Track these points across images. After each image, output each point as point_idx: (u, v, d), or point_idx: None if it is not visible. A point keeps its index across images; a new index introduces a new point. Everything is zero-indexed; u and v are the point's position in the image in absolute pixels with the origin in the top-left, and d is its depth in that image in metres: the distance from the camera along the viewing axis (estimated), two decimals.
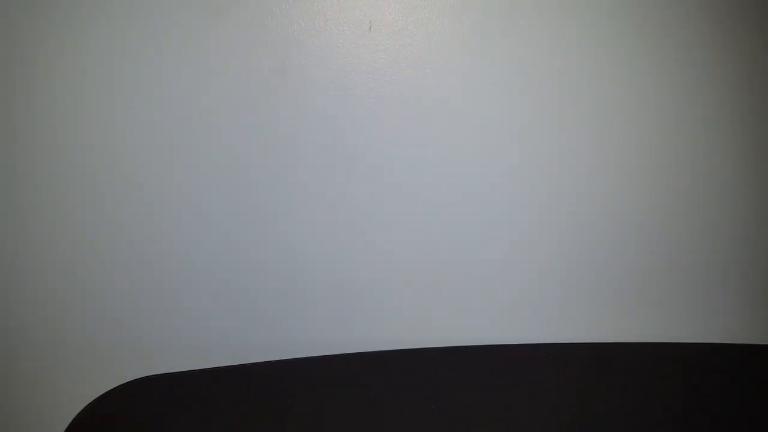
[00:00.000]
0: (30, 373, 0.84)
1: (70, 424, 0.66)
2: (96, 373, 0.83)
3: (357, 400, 0.70)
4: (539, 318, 0.85)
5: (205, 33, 0.74)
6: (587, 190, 0.81)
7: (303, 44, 0.75)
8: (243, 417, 0.67)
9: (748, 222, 0.83)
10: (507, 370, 0.75)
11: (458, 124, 0.78)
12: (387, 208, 0.80)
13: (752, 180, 0.81)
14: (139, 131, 0.77)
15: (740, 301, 0.85)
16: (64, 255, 0.80)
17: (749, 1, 0.76)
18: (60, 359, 0.84)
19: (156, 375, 0.73)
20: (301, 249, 0.81)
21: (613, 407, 0.70)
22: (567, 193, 0.81)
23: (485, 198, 0.80)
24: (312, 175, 0.79)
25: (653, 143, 0.79)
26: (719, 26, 0.77)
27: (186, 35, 0.74)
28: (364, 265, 0.82)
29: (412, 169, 0.79)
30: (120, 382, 0.72)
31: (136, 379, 0.72)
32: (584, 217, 0.81)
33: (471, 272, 0.83)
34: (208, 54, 0.75)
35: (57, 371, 0.84)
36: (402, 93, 0.77)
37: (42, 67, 0.74)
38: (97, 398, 0.69)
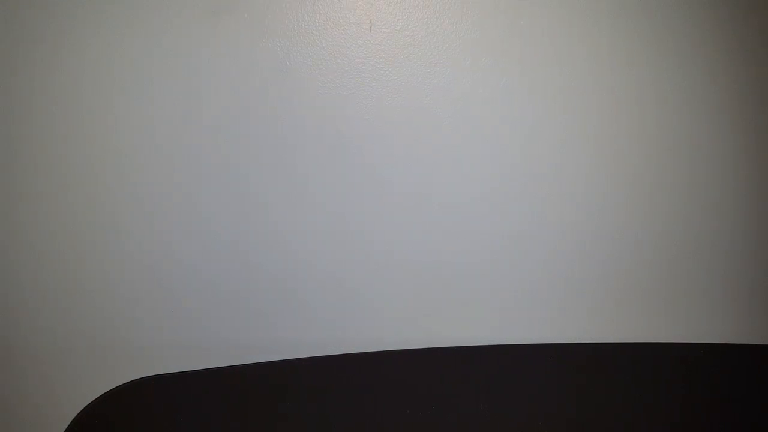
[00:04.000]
0: (30, 373, 0.84)
1: (70, 424, 0.66)
2: (96, 373, 0.84)
3: (357, 401, 0.70)
4: (539, 318, 0.85)
5: (204, 33, 0.74)
6: (588, 190, 0.81)
7: (303, 44, 0.75)
8: (243, 417, 0.67)
9: (748, 222, 0.83)
10: (507, 370, 0.75)
11: (459, 123, 0.78)
12: (387, 208, 0.80)
13: (753, 180, 0.81)
14: (137, 132, 0.77)
15: (740, 301, 0.85)
16: (63, 255, 0.80)
17: (751, 1, 0.76)
18: (60, 359, 0.84)
19: (156, 375, 0.73)
20: (300, 249, 0.81)
21: (613, 407, 0.70)
22: (568, 193, 0.81)
23: (485, 197, 0.80)
24: (311, 176, 0.79)
25: (654, 143, 0.79)
26: (721, 27, 0.76)
27: (185, 35, 0.74)
28: (364, 265, 0.82)
29: (412, 170, 0.79)
30: (120, 382, 0.72)
31: (136, 379, 0.72)
32: (584, 217, 0.81)
33: (471, 272, 0.83)
34: (208, 54, 0.75)
35: (57, 371, 0.84)
36: (403, 93, 0.77)
37: (40, 67, 0.74)
38: (97, 398, 0.69)
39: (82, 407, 0.68)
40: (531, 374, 0.75)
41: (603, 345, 0.82)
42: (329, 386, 0.72)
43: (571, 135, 0.79)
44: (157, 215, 0.79)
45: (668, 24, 0.76)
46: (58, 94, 0.75)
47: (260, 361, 0.76)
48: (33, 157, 0.77)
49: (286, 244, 0.81)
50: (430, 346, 0.78)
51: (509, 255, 0.82)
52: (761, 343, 0.83)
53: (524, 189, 0.80)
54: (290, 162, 0.78)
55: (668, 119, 0.79)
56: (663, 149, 0.80)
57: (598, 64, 0.77)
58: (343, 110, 0.77)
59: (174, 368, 0.74)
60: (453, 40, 0.76)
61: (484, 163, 0.79)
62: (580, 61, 0.76)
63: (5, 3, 0.73)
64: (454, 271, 0.83)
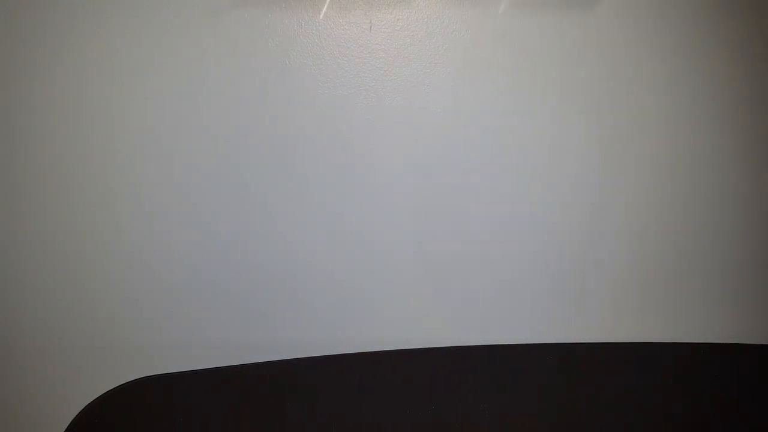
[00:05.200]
0: (30, 373, 0.85)
1: (70, 424, 0.66)
2: (96, 373, 0.84)
3: (356, 401, 0.70)
4: (539, 318, 0.85)
5: (205, 33, 0.74)
6: (588, 190, 0.81)
7: (303, 44, 0.75)
8: (243, 417, 0.67)
9: (748, 223, 0.83)
10: (507, 370, 0.75)
11: (458, 123, 0.78)
12: (386, 208, 0.80)
13: (752, 180, 0.81)
14: (137, 133, 0.77)
15: (740, 301, 0.85)
16: (64, 256, 0.80)
17: (750, 2, 0.76)
18: (60, 359, 0.84)
19: (155, 375, 0.73)
20: (300, 250, 0.81)
21: (613, 407, 0.70)
22: (567, 194, 0.81)
23: (485, 198, 0.80)
24: (311, 176, 0.79)
25: (654, 144, 0.79)
26: (721, 27, 0.76)
27: (186, 36, 0.74)
28: (364, 265, 0.82)
29: (411, 169, 0.79)
30: (120, 382, 0.72)
31: (136, 379, 0.72)
32: (584, 218, 0.81)
33: (471, 273, 0.83)
34: (209, 55, 0.75)
35: (57, 371, 0.84)
36: (403, 93, 0.77)
37: (40, 67, 0.74)
38: (97, 398, 0.69)
39: (82, 407, 0.68)
40: (531, 374, 0.75)
41: (603, 345, 0.82)
42: (329, 386, 0.72)
43: (571, 135, 0.79)
44: (157, 215, 0.79)
45: (668, 24, 0.76)
46: (58, 94, 0.75)
47: (260, 361, 0.76)
48: (33, 157, 0.77)
49: (286, 244, 0.81)
50: (430, 346, 0.78)
51: (509, 255, 0.82)
52: (761, 343, 0.83)
53: (524, 189, 0.80)
54: (290, 162, 0.78)
55: (668, 119, 0.79)
56: (663, 149, 0.80)
57: (599, 64, 0.77)
58: (343, 110, 0.77)
59: (174, 368, 0.74)
60: (453, 40, 0.76)
61: (483, 163, 0.79)
62: (580, 61, 0.76)
63: (5, 3, 0.73)
64: (453, 271, 0.83)
